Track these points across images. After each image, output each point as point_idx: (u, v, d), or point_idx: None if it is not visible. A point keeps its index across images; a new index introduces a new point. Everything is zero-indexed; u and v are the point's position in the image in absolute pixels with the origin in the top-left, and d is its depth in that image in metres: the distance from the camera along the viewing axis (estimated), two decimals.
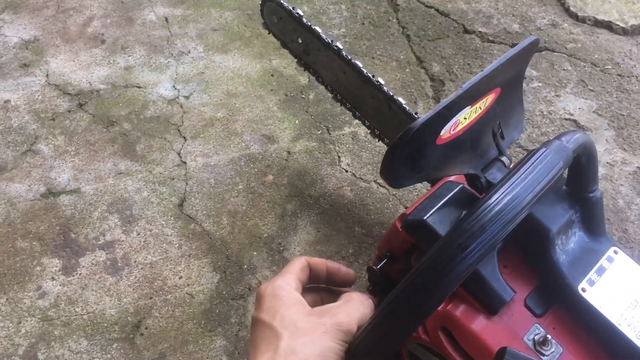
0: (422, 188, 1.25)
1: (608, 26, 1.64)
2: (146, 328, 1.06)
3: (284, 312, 0.57)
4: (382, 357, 0.66)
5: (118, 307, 1.09)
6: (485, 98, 0.73)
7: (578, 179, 0.76)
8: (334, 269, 0.68)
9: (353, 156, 1.32)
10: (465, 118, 0.71)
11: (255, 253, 1.16)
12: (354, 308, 0.61)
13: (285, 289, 0.60)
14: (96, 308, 1.08)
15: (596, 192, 0.77)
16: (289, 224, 1.20)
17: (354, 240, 1.18)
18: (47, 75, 1.50)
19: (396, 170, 0.69)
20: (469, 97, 0.68)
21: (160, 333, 1.05)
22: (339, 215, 1.22)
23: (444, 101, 0.64)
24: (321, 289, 0.69)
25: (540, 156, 0.66)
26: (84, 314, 1.08)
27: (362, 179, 1.28)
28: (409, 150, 0.66)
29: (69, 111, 1.41)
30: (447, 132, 0.69)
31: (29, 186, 1.26)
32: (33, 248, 1.16)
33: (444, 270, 0.59)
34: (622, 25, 1.63)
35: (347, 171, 1.29)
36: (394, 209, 1.22)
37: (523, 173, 0.64)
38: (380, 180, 1.27)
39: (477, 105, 0.71)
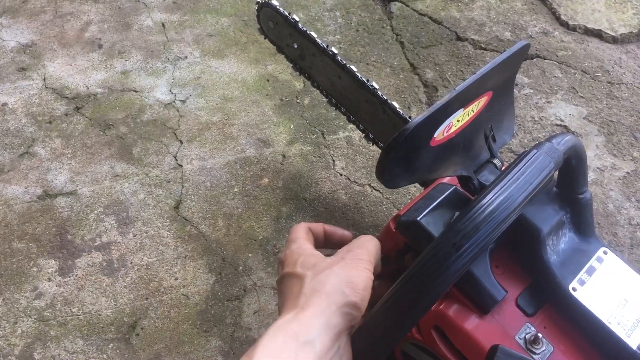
0: (416, 192, 1.27)
1: (598, 34, 1.67)
2: (142, 328, 1.07)
3: (304, 259, 0.60)
4: (377, 355, 0.67)
5: (114, 307, 1.09)
6: (478, 101, 0.74)
7: (568, 181, 0.78)
8: (331, 231, 0.71)
9: (347, 160, 1.34)
10: (458, 120, 0.73)
11: (250, 255, 1.17)
12: (364, 240, 0.64)
13: (301, 247, 0.64)
14: (92, 308, 1.09)
15: (586, 193, 0.78)
16: (284, 227, 1.22)
17: None
18: (44, 79, 1.51)
19: (391, 171, 0.70)
20: (462, 100, 0.70)
21: (155, 333, 1.06)
22: (334, 218, 1.23)
23: (438, 103, 0.66)
24: None
25: (531, 158, 0.67)
26: (80, 315, 1.08)
27: (356, 182, 1.29)
28: (403, 151, 0.68)
29: (66, 114, 1.42)
30: (441, 134, 0.71)
31: (26, 188, 1.27)
32: (29, 249, 1.17)
33: (439, 269, 0.61)
34: (611, 33, 1.66)
35: (341, 175, 1.31)
36: (388, 212, 1.24)
37: (515, 174, 0.65)
38: (375, 184, 1.28)
39: (470, 108, 0.73)
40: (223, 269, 1.15)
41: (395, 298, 0.62)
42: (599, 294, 0.74)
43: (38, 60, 1.56)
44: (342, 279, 0.57)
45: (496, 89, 0.77)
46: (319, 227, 0.70)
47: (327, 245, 0.71)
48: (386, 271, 0.86)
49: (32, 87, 1.49)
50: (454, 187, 0.83)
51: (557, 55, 1.60)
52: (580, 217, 0.80)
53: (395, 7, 1.75)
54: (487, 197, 0.62)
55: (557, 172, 0.77)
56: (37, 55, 1.57)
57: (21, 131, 1.38)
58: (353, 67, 1.07)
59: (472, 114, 0.75)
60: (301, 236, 0.66)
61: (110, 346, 1.05)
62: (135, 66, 1.55)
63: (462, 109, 0.71)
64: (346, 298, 0.56)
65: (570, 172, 0.76)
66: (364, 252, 0.62)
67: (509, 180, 0.64)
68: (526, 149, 0.71)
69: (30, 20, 1.67)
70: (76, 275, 1.14)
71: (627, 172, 1.32)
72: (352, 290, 0.57)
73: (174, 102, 1.46)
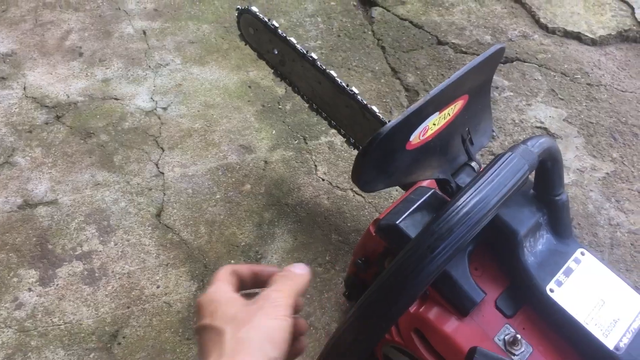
0: (398, 195, 1.27)
1: (577, 37, 1.69)
2: (124, 337, 1.06)
3: (222, 310, 0.58)
4: (355, 358, 0.67)
5: (95, 317, 1.09)
6: (454, 104, 0.75)
7: (544, 183, 0.78)
8: (258, 270, 0.69)
9: (329, 165, 1.34)
10: (434, 124, 0.73)
11: (232, 261, 1.17)
12: (282, 283, 0.62)
13: (218, 292, 0.61)
14: (73, 318, 1.08)
15: (562, 195, 0.79)
16: (267, 233, 1.21)
17: (331, 247, 1.19)
18: (24, 88, 1.50)
19: (366, 175, 0.70)
20: (437, 104, 0.70)
21: (137, 342, 1.05)
22: (316, 223, 1.23)
23: (412, 107, 0.66)
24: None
25: (506, 160, 0.68)
26: (61, 325, 1.07)
27: (338, 187, 1.29)
28: (378, 155, 0.68)
29: (46, 123, 1.41)
30: (417, 137, 0.71)
31: (6, 198, 1.26)
32: (10, 259, 1.16)
33: (413, 271, 0.61)
34: (590, 36, 1.68)
35: (323, 180, 1.31)
36: (370, 216, 1.24)
37: (489, 176, 0.66)
38: (357, 188, 1.28)
39: (446, 111, 0.74)
40: (205, 276, 1.14)
41: (370, 302, 0.62)
42: (577, 294, 0.75)
43: (18, 69, 1.55)
44: (262, 335, 0.56)
45: (472, 93, 0.78)
46: (245, 268, 0.69)
47: (256, 285, 0.70)
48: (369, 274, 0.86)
49: (12, 96, 1.48)
50: (432, 190, 0.83)
51: (536, 58, 1.61)
52: (557, 219, 0.80)
53: (376, 12, 1.76)
54: (461, 200, 0.63)
55: (533, 174, 0.77)
56: (17, 65, 1.56)
57: (1, 141, 1.37)
58: (333, 73, 1.07)
59: (448, 117, 0.75)
60: (221, 279, 0.64)
61: (91, 356, 1.04)
62: (116, 74, 1.55)
63: (437, 113, 0.72)
64: (267, 355, 0.57)
65: (546, 174, 0.77)
66: (281, 296, 0.60)
67: (483, 183, 0.64)
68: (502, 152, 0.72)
69: (10, 29, 1.66)
70: (57, 285, 1.13)
71: (607, 173, 1.33)
72: (272, 346, 0.56)
73: (155, 109, 1.46)
